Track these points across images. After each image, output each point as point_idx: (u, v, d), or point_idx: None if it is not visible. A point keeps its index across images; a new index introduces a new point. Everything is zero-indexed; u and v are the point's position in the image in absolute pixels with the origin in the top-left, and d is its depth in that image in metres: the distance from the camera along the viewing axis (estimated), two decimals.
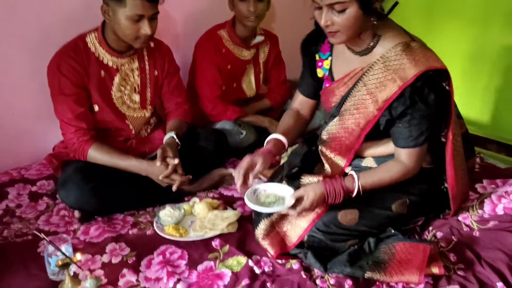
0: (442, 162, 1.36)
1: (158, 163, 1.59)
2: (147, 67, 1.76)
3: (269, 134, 2.00)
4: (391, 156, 1.35)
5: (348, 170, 1.37)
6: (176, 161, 1.60)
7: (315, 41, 1.40)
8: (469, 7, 2.21)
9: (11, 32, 1.78)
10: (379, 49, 1.26)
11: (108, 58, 1.66)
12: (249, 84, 2.20)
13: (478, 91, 2.25)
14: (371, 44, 1.26)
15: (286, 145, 1.41)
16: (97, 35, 1.65)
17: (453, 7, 2.27)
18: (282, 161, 1.77)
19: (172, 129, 1.77)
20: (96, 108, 1.68)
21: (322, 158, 1.42)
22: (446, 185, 1.39)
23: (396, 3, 1.25)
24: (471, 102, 2.26)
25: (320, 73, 1.41)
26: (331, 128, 1.38)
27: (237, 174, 1.29)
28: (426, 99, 1.20)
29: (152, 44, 1.78)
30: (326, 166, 1.40)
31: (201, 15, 2.26)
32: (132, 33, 1.57)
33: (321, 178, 1.35)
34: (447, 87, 1.24)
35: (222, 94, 2.06)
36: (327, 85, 1.38)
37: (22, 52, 1.83)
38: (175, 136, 1.70)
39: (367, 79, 1.26)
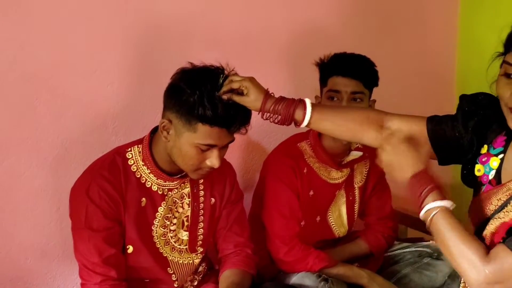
0: None
1: None
2: (201, 192, 1.77)
3: None
4: None
5: None
6: None
7: (489, 123, 1.43)
8: None
9: (22, 140, 1.88)
10: None
11: (153, 181, 1.68)
12: (339, 218, 2.14)
13: None
14: None
15: (307, 114, 1.53)
16: (141, 150, 1.69)
17: None
18: None
19: (229, 285, 1.72)
20: (130, 249, 1.67)
21: None
22: None
23: None
24: None
25: (480, 171, 1.43)
26: None
27: None
28: None
29: None
30: None
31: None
32: (194, 164, 1.61)
33: None
34: None
35: (301, 232, 2.00)
36: (486, 189, 1.40)
37: (32, 166, 1.90)
38: None
39: None
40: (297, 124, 1.55)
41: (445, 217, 1.31)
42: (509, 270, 1.24)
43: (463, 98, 1.50)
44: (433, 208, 1.33)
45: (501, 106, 1.31)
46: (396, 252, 2.25)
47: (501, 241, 1.28)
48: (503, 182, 1.36)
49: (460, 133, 1.45)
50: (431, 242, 2.21)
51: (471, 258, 1.26)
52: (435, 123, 1.49)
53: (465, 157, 1.45)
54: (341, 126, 1.57)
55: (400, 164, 1.41)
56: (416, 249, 2.22)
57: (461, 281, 1.44)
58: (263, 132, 2.28)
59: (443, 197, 1.33)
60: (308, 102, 1.53)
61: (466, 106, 1.47)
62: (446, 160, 1.50)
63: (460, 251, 1.28)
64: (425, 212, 1.34)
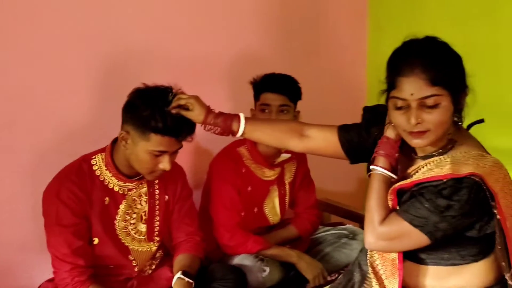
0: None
1: None
2: (156, 191, 1.91)
3: (297, 270, 2.18)
4: None
5: None
6: None
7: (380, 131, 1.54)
8: None
9: (2, 150, 1.97)
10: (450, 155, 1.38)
11: (114, 183, 1.80)
12: (273, 209, 2.30)
13: None
14: (440, 150, 1.40)
15: (241, 125, 1.63)
16: (104, 157, 1.80)
17: None
18: None
19: (181, 267, 1.84)
20: (96, 241, 1.79)
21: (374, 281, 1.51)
22: None
23: (482, 120, 1.45)
24: None
25: None
26: None
27: None
28: (453, 195, 1.31)
29: None
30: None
31: None
32: (149, 167, 1.73)
33: None
34: (494, 211, 1.35)
35: (241, 221, 2.15)
36: None
37: (10, 172, 2.00)
38: (184, 277, 1.79)
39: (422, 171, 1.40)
40: (234, 134, 1.65)
41: (379, 180, 1.45)
42: (394, 232, 1.40)
43: (365, 109, 1.63)
44: (377, 169, 1.47)
45: (399, 131, 1.42)
46: (320, 235, 2.45)
47: (396, 208, 1.42)
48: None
49: (364, 137, 1.58)
50: (347, 225, 2.40)
51: (373, 217, 1.42)
52: (344, 130, 1.60)
53: (369, 157, 1.54)
54: (269, 135, 1.69)
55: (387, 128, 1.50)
56: (336, 231, 2.42)
57: (368, 255, 1.55)
58: (208, 140, 2.33)
59: (389, 167, 1.47)
60: (242, 116, 1.64)
61: (368, 115, 1.61)
62: (355, 159, 1.63)
63: (370, 209, 1.43)
64: (371, 167, 1.48)
